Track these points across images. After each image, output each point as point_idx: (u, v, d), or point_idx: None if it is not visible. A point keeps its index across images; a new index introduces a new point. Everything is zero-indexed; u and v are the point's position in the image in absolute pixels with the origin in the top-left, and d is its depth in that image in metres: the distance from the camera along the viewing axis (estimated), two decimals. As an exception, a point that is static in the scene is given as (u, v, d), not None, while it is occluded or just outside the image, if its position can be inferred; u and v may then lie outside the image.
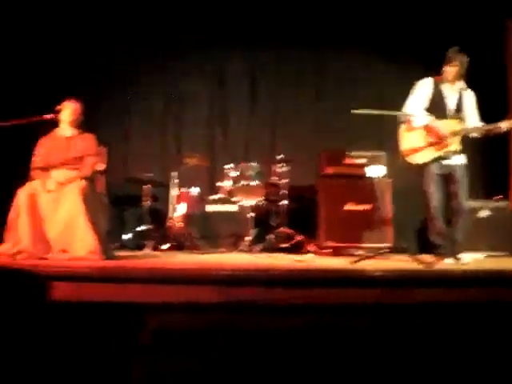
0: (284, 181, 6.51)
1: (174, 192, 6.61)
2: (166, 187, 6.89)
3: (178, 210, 6.55)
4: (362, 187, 6.00)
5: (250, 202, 6.39)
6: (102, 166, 5.30)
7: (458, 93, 5.00)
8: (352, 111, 4.50)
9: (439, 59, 4.93)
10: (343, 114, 6.46)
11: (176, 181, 6.62)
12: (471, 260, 4.80)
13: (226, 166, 6.55)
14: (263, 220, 6.51)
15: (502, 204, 6.07)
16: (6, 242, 4.69)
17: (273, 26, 7.21)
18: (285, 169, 6.53)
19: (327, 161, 6.15)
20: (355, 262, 4.46)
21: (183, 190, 6.65)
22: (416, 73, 5.24)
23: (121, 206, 7.21)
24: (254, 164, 6.49)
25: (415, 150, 4.96)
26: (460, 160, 4.95)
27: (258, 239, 6.28)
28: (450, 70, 4.93)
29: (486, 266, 4.55)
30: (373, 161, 6.08)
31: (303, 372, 2.37)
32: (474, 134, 4.93)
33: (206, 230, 6.23)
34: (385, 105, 5.08)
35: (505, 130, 4.78)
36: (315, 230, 6.08)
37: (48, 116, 4.94)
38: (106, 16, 7.05)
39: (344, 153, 6.11)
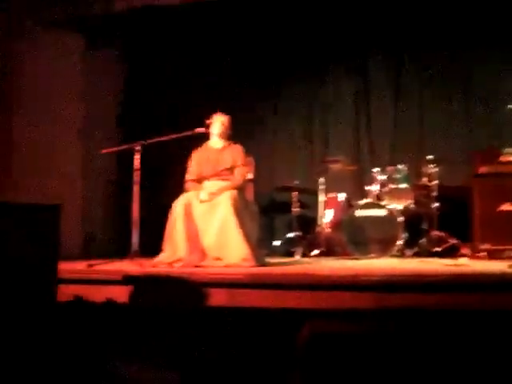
0: (434, 182, 6.29)
1: (321, 198, 6.61)
2: (313, 193, 6.93)
3: (326, 216, 6.56)
4: (518, 186, 5.67)
5: (399, 205, 6.26)
6: (250, 176, 5.45)
7: None
8: (508, 106, 4.27)
9: None
10: (495, 110, 6.19)
11: (323, 187, 6.62)
12: None
13: (374, 170, 6.47)
14: (413, 224, 6.32)
15: None
16: (164, 252, 4.95)
17: (416, 26, 7.02)
18: (434, 170, 6.30)
19: (481, 160, 5.86)
20: (514, 265, 4.24)
21: (330, 195, 6.65)
22: None
23: (270, 213, 7.36)
24: (401, 166, 6.35)
25: None
26: None
27: (409, 243, 6.13)
28: None
29: None
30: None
31: (469, 378, 2.28)
32: None
33: (355, 236, 6.15)
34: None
35: None
36: (468, 232, 5.81)
37: (199, 129, 5.16)
38: (244, 29, 7.22)
39: (498, 151, 5.80)
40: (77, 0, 6.23)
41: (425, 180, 6.33)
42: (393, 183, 6.28)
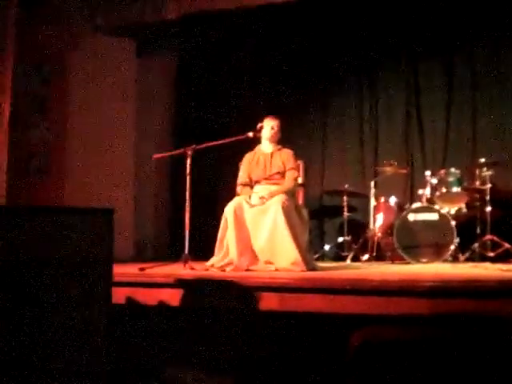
0: (487, 186, 6.16)
1: (372, 202, 6.55)
2: (364, 197, 6.89)
3: (377, 220, 6.50)
4: None
5: (451, 209, 6.16)
6: (300, 180, 5.45)
7: None
8: None
9: None
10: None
11: (373, 190, 6.56)
12: None
13: (426, 173, 6.38)
14: (466, 228, 6.21)
15: None
16: (215, 255, 4.98)
17: (467, 27, 6.91)
18: (488, 173, 6.17)
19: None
20: None
21: (381, 199, 6.59)
22: None
23: (320, 217, 7.34)
24: (453, 170, 6.25)
25: None
26: None
27: (462, 248, 6.03)
28: None
29: None
30: None
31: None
32: None
33: (407, 240, 6.07)
34: None
35: None
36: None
37: (250, 134, 5.19)
38: (295, 33, 7.23)
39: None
40: (130, 7, 6.33)
41: (478, 183, 6.22)
42: (445, 187, 6.17)
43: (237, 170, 5.37)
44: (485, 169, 6.16)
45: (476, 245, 5.99)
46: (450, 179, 6.19)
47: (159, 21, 6.40)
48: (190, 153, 5.16)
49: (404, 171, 6.77)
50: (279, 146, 5.27)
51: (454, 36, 7.00)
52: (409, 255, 6.01)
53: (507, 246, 5.88)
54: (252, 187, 5.20)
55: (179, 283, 3.88)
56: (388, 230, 6.41)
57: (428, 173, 6.36)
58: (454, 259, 5.99)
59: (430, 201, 6.25)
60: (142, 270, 4.60)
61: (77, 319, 2.49)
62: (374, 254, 6.31)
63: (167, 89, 7.65)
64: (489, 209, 6.07)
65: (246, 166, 5.26)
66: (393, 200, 6.56)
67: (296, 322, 3.50)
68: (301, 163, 5.50)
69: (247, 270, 4.81)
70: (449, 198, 6.17)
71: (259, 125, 5.20)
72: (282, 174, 5.15)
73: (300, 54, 7.39)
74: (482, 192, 6.18)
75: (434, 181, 6.26)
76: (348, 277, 4.37)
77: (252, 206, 4.93)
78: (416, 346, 2.34)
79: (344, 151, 7.48)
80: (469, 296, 3.22)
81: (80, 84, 6.50)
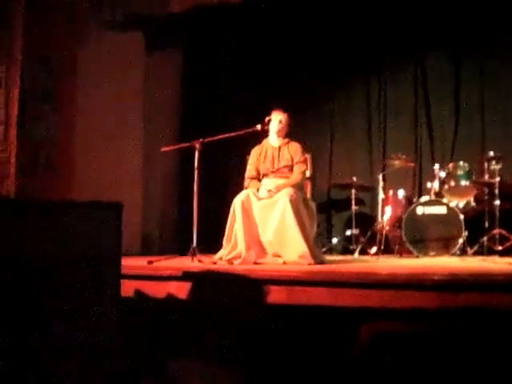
0: (496, 179, 6.13)
1: (380, 195, 6.54)
2: (372, 191, 6.88)
3: (385, 214, 6.49)
4: None
5: (460, 202, 6.14)
6: (308, 173, 5.44)
7: None
8: None
9: None
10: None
11: (382, 184, 6.55)
12: None
13: (434, 167, 6.36)
14: (475, 222, 6.20)
15: None
16: (223, 248, 5.00)
17: (474, 22, 6.86)
18: (496, 166, 6.14)
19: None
20: None
21: (389, 192, 6.57)
22: None
23: (328, 210, 7.34)
24: (462, 163, 6.22)
25: None
26: None
27: (471, 242, 6.01)
28: None
29: None
30: None
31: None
32: None
33: (415, 233, 6.06)
34: None
35: None
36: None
37: (258, 127, 5.19)
38: (302, 25, 7.21)
39: None
40: (137, 1, 6.33)
41: (486, 177, 6.20)
42: (454, 180, 6.15)
43: (245, 163, 5.38)
44: (493, 162, 6.13)
45: (484, 238, 5.98)
46: (459, 173, 6.17)
47: (166, 14, 6.40)
48: (198, 146, 5.17)
49: (412, 164, 6.75)
50: (287, 140, 5.27)
51: (462, 29, 6.95)
52: (417, 249, 6.01)
53: (515, 239, 5.86)
54: (260, 180, 5.20)
55: (187, 276, 3.89)
56: (396, 223, 6.40)
57: (436, 166, 6.34)
58: (463, 253, 5.97)
59: (439, 194, 6.23)
60: (150, 263, 4.62)
61: (87, 311, 2.51)
62: (382, 247, 6.30)
63: (174, 83, 7.65)
64: (497, 202, 6.04)
65: (254, 160, 5.26)
66: (401, 193, 6.55)
67: (304, 315, 3.50)
68: (309, 156, 5.50)
69: (255, 263, 4.82)
70: (457, 191, 6.15)
71: (267, 118, 5.20)
72: (290, 168, 5.15)
73: (308, 47, 7.36)
74: (490, 185, 6.15)
75: (443, 174, 6.24)
76: (356, 270, 4.37)
77: (260, 199, 4.94)
78: (424, 339, 2.34)
79: (352, 144, 7.47)
80: (477, 290, 3.21)
81: (88, 79, 6.50)
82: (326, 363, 3.19)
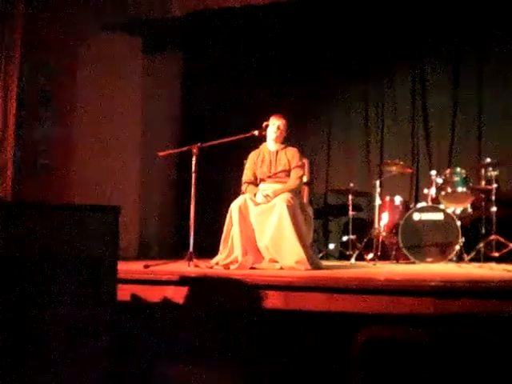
0: (493, 186, 6.14)
1: (377, 201, 6.54)
2: (369, 196, 6.89)
3: (382, 220, 6.49)
4: None
5: (456, 209, 6.15)
6: (305, 178, 5.45)
7: None
8: None
9: None
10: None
11: (379, 189, 6.55)
12: None
13: (431, 173, 6.37)
14: (471, 228, 6.21)
15: None
16: (220, 253, 4.99)
17: (473, 25, 6.88)
18: (493, 173, 6.15)
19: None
20: None
21: (386, 198, 6.58)
22: None
23: (325, 216, 7.35)
24: (459, 169, 6.23)
25: None
26: None
27: (467, 248, 6.02)
28: None
29: None
30: None
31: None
32: None
33: (412, 239, 6.07)
34: None
35: None
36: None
37: (256, 132, 5.19)
38: (297, 29, 7.22)
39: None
40: (136, 4, 6.34)
41: (483, 183, 6.21)
42: (450, 186, 6.15)
43: (242, 168, 5.38)
44: (490, 169, 6.14)
45: (481, 245, 5.98)
46: (456, 179, 6.17)
47: (166, 18, 6.41)
48: (195, 151, 5.17)
49: (409, 170, 6.76)
50: (284, 145, 5.28)
51: (460, 35, 6.98)
52: (413, 255, 6.01)
53: (512, 246, 5.86)
54: (257, 185, 5.20)
55: (184, 281, 3.89)
56: (393, 229, 6.40)
57: (433, 172, 6.35)
58: (459, 259, 5.98)
59: (436, 200, 6.24)
60: (146, 267, 4.62)
61: (82, 316, 2.50)
62: (379, 253, 6.29)
63: (173, 86, 7.66)
64: (494, 209, 6.04)
65: (251, 164, 5.26)
66: (398, 199, 6.56)
67: (300, 320, 3.50)
68: (306, 162, 5.50)
69: (252, 268, 4.82)
70: (454, 197, 6.16)
71: (265, 123, 5.20)
72: (287, 173, 5.15)
73: (306, 52, 7.38)
74: (487, 192, 6.16)
75: (440, 180, 6.25)
76: (352, 276, 4.37)
77: (257, 204, 4.94)
78: (420, 345, 2.34)
79: (349, 150, 7.48)
80: (473, 296, 3.21)
81: (87, 81, 6.51)
82: (322, 368, 3.18)
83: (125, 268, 3.97)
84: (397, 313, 3.17)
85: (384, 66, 7.41)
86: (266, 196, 4.95)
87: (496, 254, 5.91)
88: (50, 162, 6.19)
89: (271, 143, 5.24)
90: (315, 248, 5.35)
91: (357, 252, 6.37)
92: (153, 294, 3.86)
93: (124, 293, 3.67)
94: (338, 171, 7.44)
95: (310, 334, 3.42)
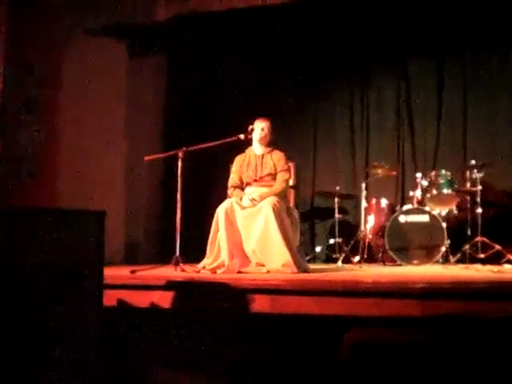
0: (478, 188, 6.17)
1: (363, 204, 6.56)
2: (355, 199, 6.90)
3: (368, 222, 6.51)
4: None
5: (442, 211, 6.18)
6: (291, 182, 5.45)
7: None
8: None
9: None
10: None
11: (364, 192, 6.57)
12: None
13: (416, 175, 6.40)
14: (457, 230, 6.24)
15: None
16: (207, 257, 4.98)
17: (457, 26, 6.90)
18: (478, 175, 6.19)
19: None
20: None
21: (372, 201, 6.59)
22: None
23: (311, 219, 7.35)
24: (444, 171, 6.26)
25: None
26: None
27: (453, 250, 6.04)
28: None
29: None
30: None
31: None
32: None
33: (398, 242, 6.09)
34: None
35: None
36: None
37: (241, 136, 5.19)
38: (282, 33, 7.22)
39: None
40: (120, 8, 6.32)
41: (468, 185, 6.24)
42: (436, 189, 6.18)
43: (228, 172, 5.37)
44: (475, 171, 6.18)
45: (467, 246, 6.01)
46: (441, 181, 6.20)
47: (150, 22, 6.39)
48: (181, 155, 5.15)
49: (395, 173, 6.78)
50: (270, 148, 5.27)
51: (444, 36, 7.01)
52: (400, 257, 6.03)
53: (497, 247, 5.88)
54: (243, 189, 5.20)
55: (170, 285, 3.87)
56: (379, 231, 6.42)
57: (419, 175, 6.37)
58: (445, 261, 6.01)
59: (421, 203, 6.26)
60: (133, 272, 4.59)
61: (68, 321, 2.48)
62: (365, 255, 6.31)
63: (157, 90, 7.62)
64: (479, 210, 6.08)
65: (237, 168, 5.26)
66: (384, 202, 6.58)
67: (287, 324, 3.50)
68: (292, 165, 5.50)
69: (238, 272, 4.81)
70: (439, 199, 6.18)
71: (250, 127, 5.19)
72: (273, 176, 5.15)
73: (290, 56, 7.38)
74: (472, 194, 6.20)
75: (425, 183, 6.28)
76: (339, 278, 4.37)
77: (243, 207, 4.94)
78: (408, 348, 2.34)
79: (335, 153, 7.49)
80: (460, 298, 3.23)
81: (71, 85, 6.47)
82: (310, 371, 3.18)
83: (111, 273, 3.95)
84: (384, 315, 3.18)
85: (368, 68, 7.44)
86: (253, 200, 4.95)
87: (482, 256, 5.94)
88: (36, 168, 6.15)
89: (257, 146, 5.24)
90: (302, 251, 5.33)
91: (343, 255, 6.38)
92: (140, 300, 3.84)
93: (111, 298, 3.65)
94: (323, 174, 7.45)
95: (297, 337, 3.42)
